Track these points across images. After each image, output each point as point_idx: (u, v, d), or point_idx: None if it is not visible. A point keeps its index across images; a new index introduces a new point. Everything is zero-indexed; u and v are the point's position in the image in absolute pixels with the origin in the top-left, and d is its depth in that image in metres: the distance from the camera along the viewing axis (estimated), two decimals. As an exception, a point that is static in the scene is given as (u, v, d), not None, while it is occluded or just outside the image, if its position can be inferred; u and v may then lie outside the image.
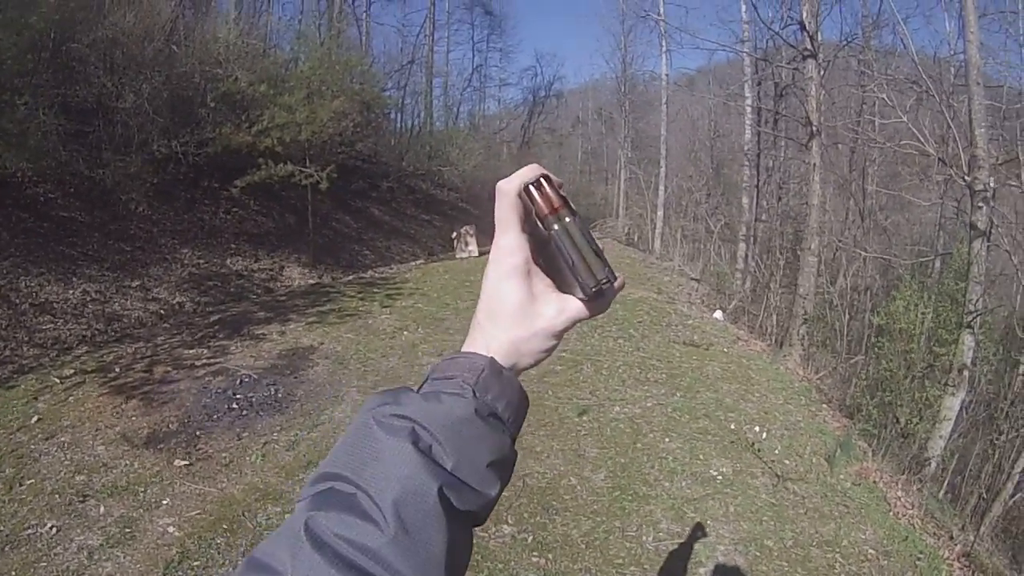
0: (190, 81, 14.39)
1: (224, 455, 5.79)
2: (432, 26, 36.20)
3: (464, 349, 0.74)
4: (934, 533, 6.05)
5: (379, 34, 35.70)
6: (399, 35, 37.50)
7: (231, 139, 13.63)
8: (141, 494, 5.06)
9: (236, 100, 14.54)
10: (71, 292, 9.66)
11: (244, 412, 6.65)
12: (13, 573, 4.13)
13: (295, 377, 7.61)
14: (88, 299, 9.76)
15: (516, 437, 0.71)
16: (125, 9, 12.80)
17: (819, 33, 13.08)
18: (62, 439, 5.84)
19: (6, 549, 4.34)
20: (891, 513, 6.16)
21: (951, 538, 6.09)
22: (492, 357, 0.72)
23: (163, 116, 12.99)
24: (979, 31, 9.87)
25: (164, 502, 4.97)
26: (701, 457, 6.56)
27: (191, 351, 8.31)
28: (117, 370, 7.50)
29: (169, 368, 7.61)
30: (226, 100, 14.47)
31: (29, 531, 4.54)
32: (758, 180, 20.31)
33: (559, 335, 0.77)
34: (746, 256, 19.84)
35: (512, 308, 0.75)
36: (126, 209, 12.08)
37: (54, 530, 4.56)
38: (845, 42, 14.65)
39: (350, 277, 14.86)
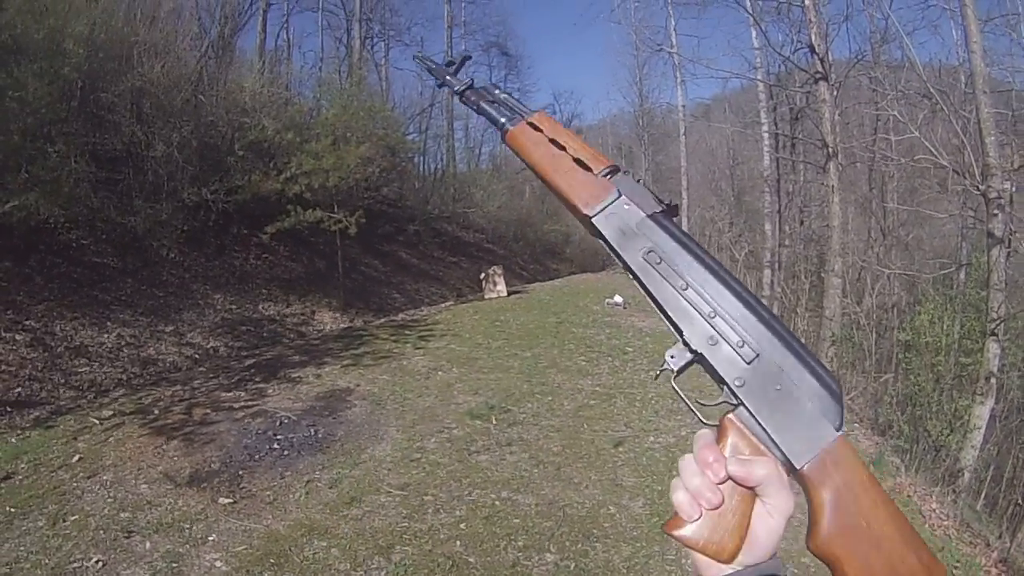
0: (217, 130, 14.61)
1: (268, 493, 5.79)
2: (450, 69, 36.49)
3: None
4: (970, 542, 6.03)
5: (398, 79, 36.20)
6: (418, 79, 37.97)
7: (260, 186, 13.77)
8: (187, 530, 5.07)
9: (263, 148, 14.73)
10: (106, 336, 9.72)
11: (285, 452, 6.65)
12: None
13: (334, 418, 7.61)
14: (123, 343, 9.82)
15: None
16: (153, 60, 13.04)
17: (829, 54, 13.07)
18: (104, 477, 5.88)
19: None
20: (926, 525, 6.12)
21: (987, 545, 6.08)
22: None
23: (192, 164, 13.16)
24: (983, 38, 9.91)
25: (210, 538, 4.98)
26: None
27: (229, 394, 8.36)
28: (156, 412, 7.57)
29: (208, 410, 7.65)
30: (254, 148, 14.64)
31: (75, 565, 4.55)
32: (779, 205, 20.20)
33: None
34: (772, 282, 19.64)
35: None
36: (157, 255, 12.21)
37: (100, 564, 4.57)
38: (855, 60, 14.52)
39: (382, 320, 14.89)
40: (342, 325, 14.41)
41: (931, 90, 10.77)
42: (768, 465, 0.73)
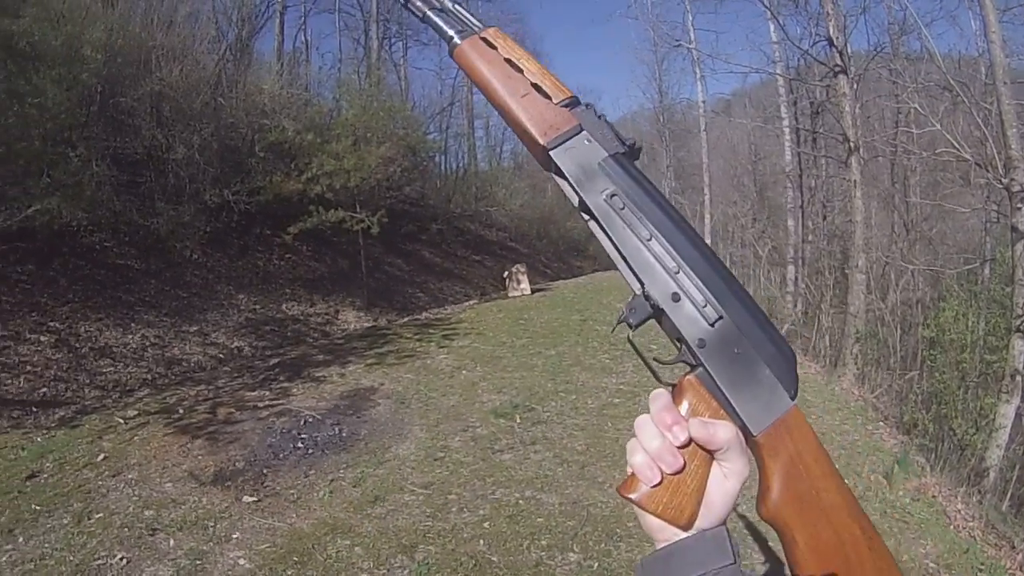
0: (238, 132, 14.73)
1: (292, 492, 5.79)
2: (469, 69, 36.52)
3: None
4: (995, 544, 5.95)
5: (417, 79, 36.33)
6: (437, 79, 38.12)
7: (281, 187, 13.86)
8: (211, 528, 5.09)
9: (284, 149, 14.81)
10: (130, 337, 9.82)
11: (310, 451, 6.65)
12: None
13: (358, 417, 7.61)
14: (147, 344, 9.91)
15: None
16: (171, 64, 13.12)
17: (848, 47, 12.91)
18: (129, 476, 5.92)
19: None
20: (951, 527, 6.06)
21: (1012, 548, 5.97)
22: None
23: (213, 166, 13.27)
24: (1002, 28, 9.71)
25: (234, 536, 5.00)
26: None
27: (253, 393, 8.40)
28: (180, 411, 7.62)
29: (232, 409, 7.69)
30: (274, 149, 14.73)
31: (99, 561, 4.58)
32: (802, 201, 19.97)
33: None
34: (795, 279, 19.43)
35: None
36: (180, 256, 12.31)
37: (124, 561, 4.60)
38: (874, 53, 14.32)
39: (405, 319, 14.91)
40: (366, 324, 14.46)
41: (951, 82, 10.59)
42: (730, 429, 0.73)
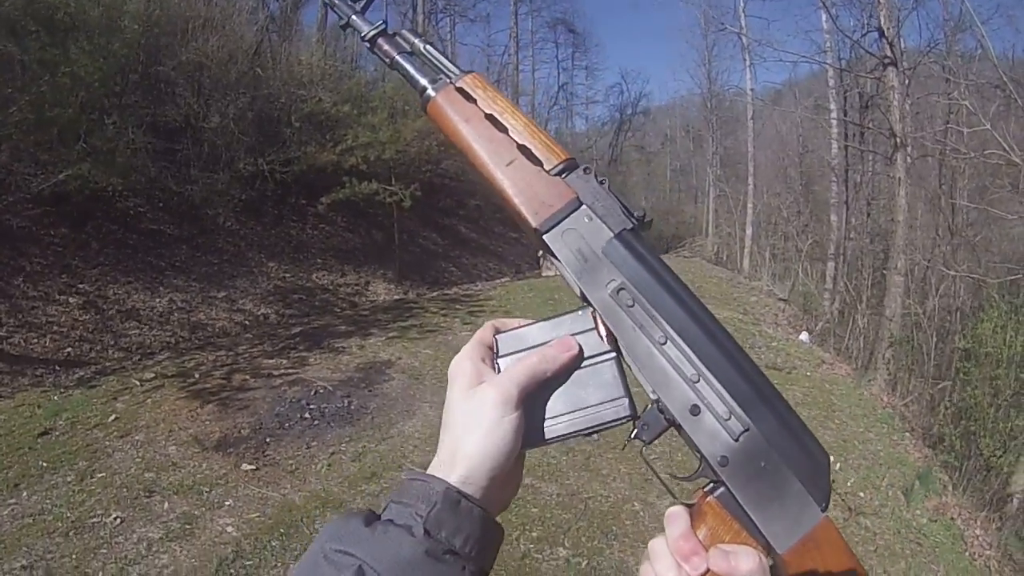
0: (275, 102, 14.79)
1: (291, 462, 5.84)
2: (516, 45, 36.64)
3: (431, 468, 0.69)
4: None
5: (464, 54, 36.18)
6: (484, 55, 37.99)
7: (316, 158, 13.92)
8: (205, 494, 5.16)
9: (320, 120, 14.87)
10: (158, 301, 9.99)
11: (315, 422, 6.69)
12: (74, 556, 4.29)
13: (369, 390, 7.62)
14: (174, 308, 10.07)
15: (488, 569, 0.65)
16: (208, 34, 13.23)
17: (899, 40, 12.58)
18: (136, 438, 6.03)
19: (71, 534, 4.51)
20: (967, 553, 5.87)
21: None
22: (449, 485, 0.64)
23: (249, 135, 13.36)
24: None
25: (227, 503, 5.06)
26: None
27: (271, 361, 8.44)
28: (196, 376, 7.71)
29: (247, 376, 7.75)
30: (311, 120, 14.80)
31: (94, 520, 4.69)
32: (847, 196, 19.60)
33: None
34: (834, 276, 19.11)
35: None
36: (214, 223, 12.47)
37: (118, 520, 4.71)
38: (928, 48, 13.93)
39: (434, 293, 14.89)
40: (395, 297, 14.51)
41: (1005, 79, 10.23)
42: (753, 558, 0.64)
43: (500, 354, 0.74)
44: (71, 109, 8.76)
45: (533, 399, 0.71)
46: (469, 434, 0.67)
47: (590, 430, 0.72)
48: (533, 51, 41.48)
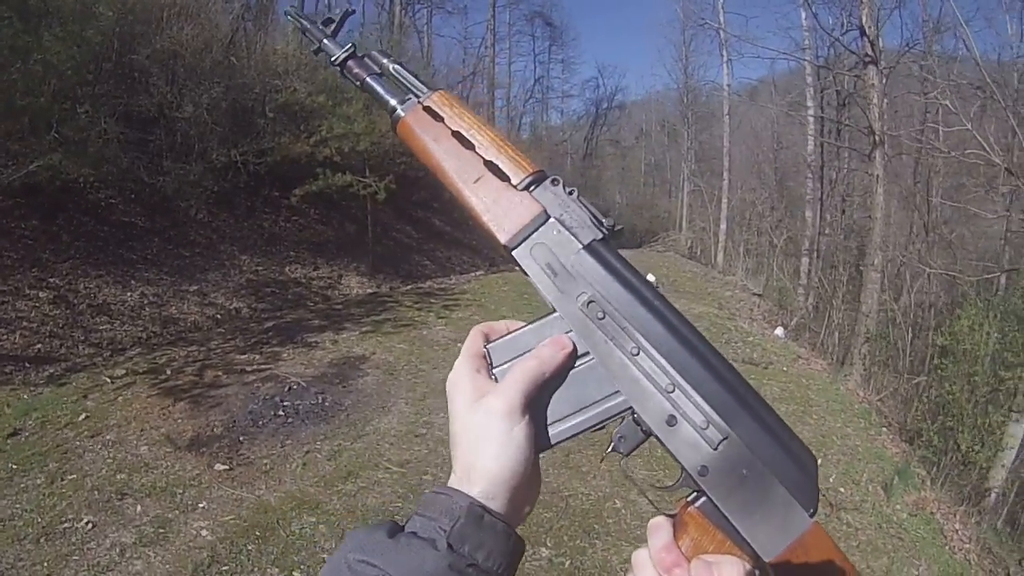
0: (250, 92, 14.58)
1: (265, 462, 5.76)
2: (493, 38, 36.70)
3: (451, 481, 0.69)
4: (990, 570, 5.85)
5: (440, 46, 36.16)
6: (460, 47, 37.89)
7: (290, 149, 13.75)
8: (179, 496, 5.06)
9: (295, 111, 14.67)
10: (129, 295, 9.83)
11: (289, 420, 6.61)
12: (46, 564, 4.18)
13: (343, 386, 7.56)
14: (145, 302, 9.92)
15: None
16: (183, 22, 13.02)
17: (880, 39, 12.70)
18: (107, 437, 5.90)
19: (41, 541, 4.40)
20: (947, 547, 5.95)
21: (1008, 574, 5.96)
22: (473, 500, 0.65)
23: (223, 126, 13.17)
24: None
25: (200, 505, 4.97)
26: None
27: (243, 356, 8.33)
28: (168, 372, 7.57)
29: (220, 373, 7.64)
30: (285, 110, 14.61)
31: (66, 524, 4.58)
32: (822, 193, 19.83)
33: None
34: (809, 271, 19.33)
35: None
36: (186, 215, 12.28)
37: (90, 525, 4.60)
38: (907, 47, 14.09)
39: (408, 287, 14.83)
40: (368, 290, 14.40)
41: (987, 80, 10.34)
42: (736, 568, 0.63)
43: (495, 364, 0.74)
44: (43, 98, 8.55)
45: (536, 403, 0.71)
46: (482, 449, 0.67)
47: (597, 425, 0.72)
48: (510, 43, 41.67)
